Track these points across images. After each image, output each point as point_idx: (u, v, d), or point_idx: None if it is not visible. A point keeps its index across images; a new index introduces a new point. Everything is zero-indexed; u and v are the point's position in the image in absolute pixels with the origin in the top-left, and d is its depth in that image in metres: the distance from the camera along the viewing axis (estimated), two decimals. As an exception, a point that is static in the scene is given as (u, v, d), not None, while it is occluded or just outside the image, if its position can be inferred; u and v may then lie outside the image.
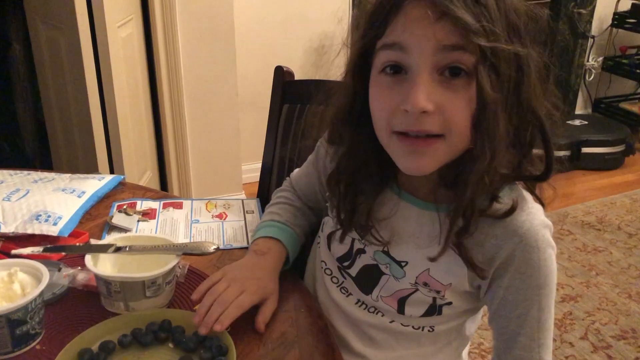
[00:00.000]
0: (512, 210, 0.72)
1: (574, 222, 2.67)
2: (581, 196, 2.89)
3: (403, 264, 0.80)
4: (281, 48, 2.76)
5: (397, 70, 0.67)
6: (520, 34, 0.66)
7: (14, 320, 0.74)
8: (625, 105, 3.66)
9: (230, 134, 2.50)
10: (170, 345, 0.77)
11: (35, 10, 2.07)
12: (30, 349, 0.77)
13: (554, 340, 1.92)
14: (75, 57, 1.83)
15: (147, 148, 2.30)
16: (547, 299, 0.75)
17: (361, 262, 0.84)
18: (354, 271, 0.85)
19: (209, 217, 1.15)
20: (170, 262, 0.82)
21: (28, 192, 1.06)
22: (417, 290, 0.80)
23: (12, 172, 1.17)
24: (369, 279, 0.84)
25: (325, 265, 0.90)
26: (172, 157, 2.41)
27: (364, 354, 0.88)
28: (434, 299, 0.79)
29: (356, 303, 0.87)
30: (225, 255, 0.99)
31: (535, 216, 0.73)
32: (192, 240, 1.03)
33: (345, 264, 0.86)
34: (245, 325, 0.81)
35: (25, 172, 1.19)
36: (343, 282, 0.88)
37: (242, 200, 1.25)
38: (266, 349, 0.78)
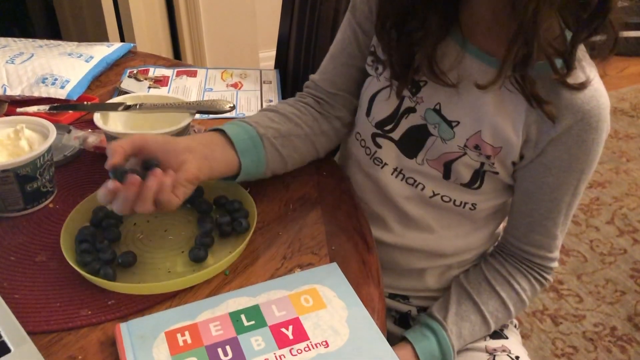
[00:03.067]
0: (585, 84, 0.64)
1: (606, 108, 2.56)
2: (615, 83, 2.75)
3: (454, 124, 0.72)
4: None
5: None
6: None
7: (23, 176, 0.70)
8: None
9: (246, 17, 2.38)
10: (189, 205, 0.74)
11: None
12: (43, 206, 0.74)
13: (579, 224, 1.90)
14: None
15: (159, 27, 2.20)
16: (584, 184, 0.72)
17: (408, 122, 0.75)
18: (397, 134, 0.76)
19: (224, 86, 1.09)
20: (184, 120, 0.77)
21: (32, 55, 1.00)
22: (465, 154, 0.72)
23: (15, 39, 1.11)
24: (414, 141, 0.75)
25: (360, 136, 0.81)
26: (186, 37, 2.31)
27: (402, 234, 0.81)
28: (482, 164, 0.73)
29: (392, 173, 0.78)
30: (243, 120, 0.94)
31: (602, 94, 0.66)
32: (206, 106, 0.97)
33: (387, 127, 0.77)
34: (265, 185, 0.77)
35: (30, 39, 1.12)
36: (376, 151, 0.79)
37: (261, 71, 1.18)
38: (287, 209, 0.75)
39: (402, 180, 0.78)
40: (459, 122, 0.71)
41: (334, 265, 0.64)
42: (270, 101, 1.05)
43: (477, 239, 0.83)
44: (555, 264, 0.79)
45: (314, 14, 1.18)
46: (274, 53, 1.26)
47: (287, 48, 1.24)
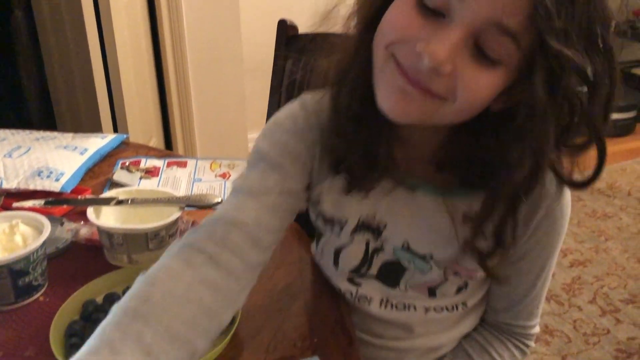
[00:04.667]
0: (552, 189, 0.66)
1: (584, 188, 2.64)
2: (591, 163, 2.85)
3: (428, 257, 0.71)
4: (287, 13, 2.71)
5: (433, 11, 0.54)
6: (595, 49, 0.54)
7: (16, 271, 0.73)
8: (637, 71, 3.58)
9: (235, 100, 2.48)
10: (174, 297, 0.76)
11: (36, -25, 2.04)
12: (34, 300, 0.76)
13: (562, 304, 1.92)
14: (77, 22, 1.81)
15: (151, 114, 2.28)
16: (555, 258, 0.74)
17: (380, 260, 0.74)
18: (374, 270, 0.75)
19: (212, 176, 1.14)
20: (173, 214, 0.81)
21: (30, 149, 1.05)
22: (446, 280, 0.73)
23: (13, 130, 1.16)
24: (391, 273, 0.75)
25: (335, 284, 0.80)
26: (177, 124, 2.39)
27: (393, 338, 0.80)
28: (466, 282, 0.75)
29: (380, 305, 0.77)
30: (230, 211, 0.98)
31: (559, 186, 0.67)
32: (195, 197, 1.02)
33: (363, 270, 0.76)
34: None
35: (27, 131, 1.18)
36: (357, 290, 0.78)
37: (248, 161, 1.23)
38: (271, 300, 0.77)
39: (392, 308, 0.77)
40: (432, 255, 0.70)
41: (316, 359, 0.66)
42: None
43: (468, 325, 0.82)
44: (536, 330, 0.80)
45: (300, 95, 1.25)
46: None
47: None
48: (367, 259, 0.75)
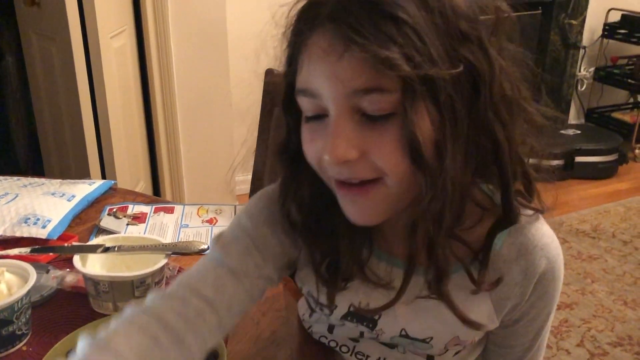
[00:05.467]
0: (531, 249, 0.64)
1: (569, 230, 2.67)
2: (576, 205, 2.89)
3: (428, 340, 0.69)
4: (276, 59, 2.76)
5: (317, 115, 0.56)
6: (472, 41, 0.54)
7: (-1, 320, 0.73)
8: (617, 115, 3.68)
9: (223, 144, 2.50)
10: (160, 345, 0.76)
11: (28, 22, 2.08)
12: (17, 349, 0.76)
13: (550, 347, 1.91)
14: (68, 68, 1.84)
15: (140, 159, 2.30)
16: (552, 316, 0.73)
17: (379, 341, 0.73)
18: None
19: (199, 222, 1.14)
20: (159, 261, 0.81)
21: (17, 196, 1.05)
22: (447, 351, 0.71)
23: (1, 177, 1.16)
24: (389, 345, 0.73)
25: (334, 343, 0.77)
26: (165, 168, 2.41)
27: None
28: (464, 347, 0.73)
29: None
30: (216, 257, 0.98)
31: (550, 248, 0.65)
32: (182, 243, 1.02)
33: (360, 341, 0.75)
34: (236, 325, 0.80)
35: (15, 177, 1.18)
36: (355, 346, 0.75)
37: (235, 206, 1.24)
38: (257, 348, 0.77)
39: None
40: (432, 337, 0.69)
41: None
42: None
43: None
44: None
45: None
46: (249, 177, 1.33)
47: (262, 184, 1.31)
48: (362, 336, 0.73)
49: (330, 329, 0.75)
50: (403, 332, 0.69)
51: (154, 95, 2.27)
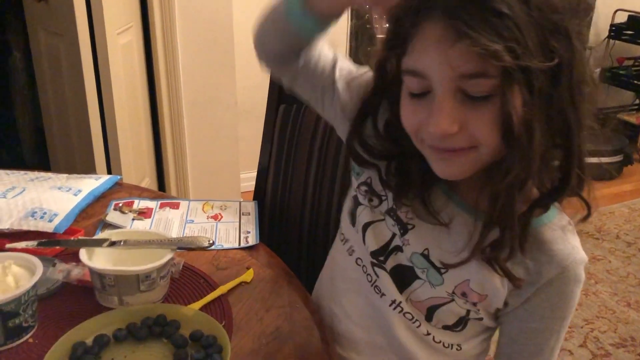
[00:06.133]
0: (561, 240, 0.71)
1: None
2: (578, 206, 2.89)
3: (443, 270, 0.75)
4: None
5: (421, 93, 0.64)
6: (560, 32, 0.60)
7: (6, 312, 0.73)
8: (623, 116, 3.67)
9: (229, 142, 2.51)
10: (165, 340, 0.77)
11: (36, 18, 2.09)
12: (23, 342, 0.77)
13: (553, 347, 1.92)
14: (75, 64, 1.84)
15: (145, 155, 2.31)
16: (565, 330, 0.76)
17: (394, 260, 0.79)
18: (388, 266, 0.79)
19: (204, 218, 1.15)
20: (164, 256, 0.82)
21: (24, 190, 1.06)
22: (452, 300, 0.76)
23: (8, 171, 1.17)
24: (401, 278, 0.79)
25: (362, 262, 0.83)
26: (170, 165, 2.42)
27: None
28: (468, 311, 0.76)
29: (390, 305, 0.80)
30: (221, 253, 0.99)
31: (578, 251, 0.73)
32: (187, 239, 1.03)
33: (380, 258, 0.80)
34: (240, 318, 0.81)
35: (22, 171, 1.19)
36: (376, 280, 0.81)
37: (240, 202, 1.25)
38: (260, 344, 0.78)
39: (400, 313, 0.79)
40: (447, 270, 0.74)
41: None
42: (249, 232, 1.11)
43: None
44: None
45: (292, 146, 1.27)
46: (253, 174, 1.34)
47: (266, 180, 1.32)
48: (386, 249, 0.79)
49: (364, 231, 0.81)
50: (425, 252, 0.76)
51: (160, 92, 2.28)
